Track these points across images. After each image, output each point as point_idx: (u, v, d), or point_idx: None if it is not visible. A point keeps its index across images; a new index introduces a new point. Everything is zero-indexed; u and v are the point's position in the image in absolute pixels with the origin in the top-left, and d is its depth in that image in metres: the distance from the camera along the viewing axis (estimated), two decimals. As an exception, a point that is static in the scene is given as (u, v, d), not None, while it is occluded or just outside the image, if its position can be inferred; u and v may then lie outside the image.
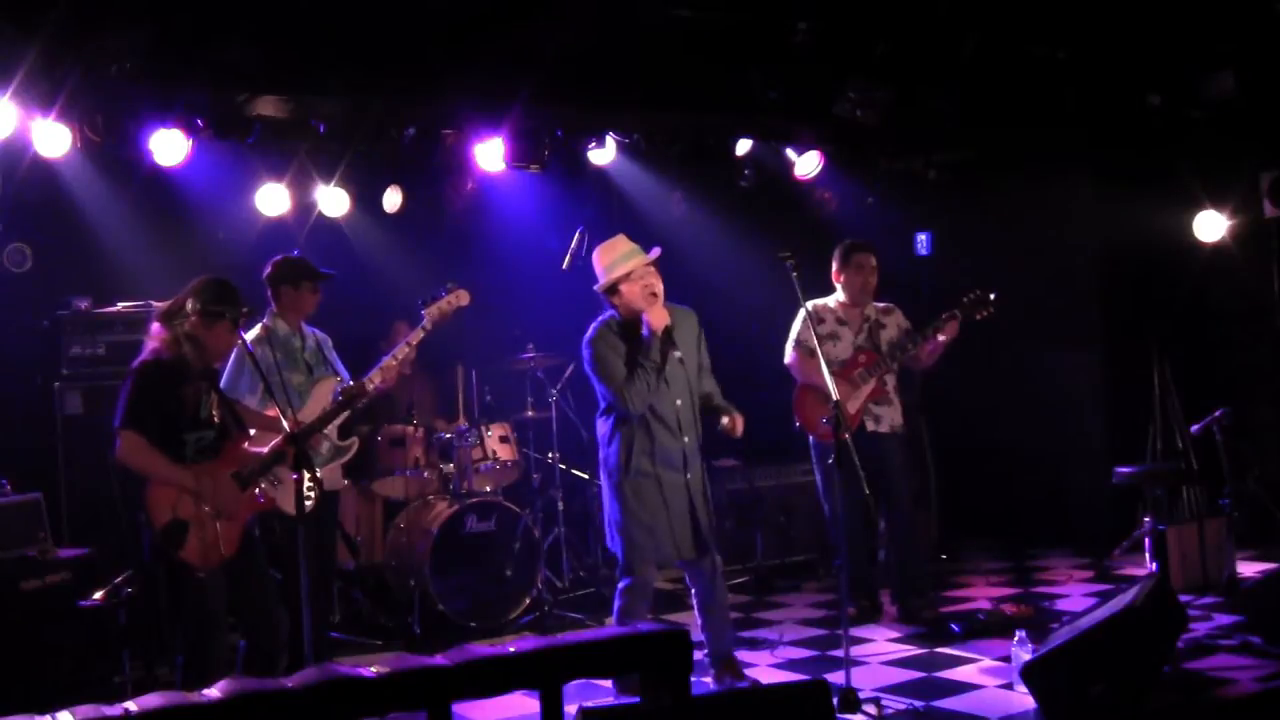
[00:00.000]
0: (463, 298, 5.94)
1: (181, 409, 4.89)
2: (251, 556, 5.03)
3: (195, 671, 4.71)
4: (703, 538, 5.59)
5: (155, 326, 4.95)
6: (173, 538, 4.75)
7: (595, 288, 5.62)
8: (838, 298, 7.09)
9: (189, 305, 4.88)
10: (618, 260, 5.52)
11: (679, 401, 5.53)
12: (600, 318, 5.63)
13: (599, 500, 8.03)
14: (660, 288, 5.50)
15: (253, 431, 5.21)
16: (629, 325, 5.52)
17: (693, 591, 5.74)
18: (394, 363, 5.80)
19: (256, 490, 5.02)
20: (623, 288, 5.49)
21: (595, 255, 5.63)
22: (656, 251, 5.55)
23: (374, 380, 5.81)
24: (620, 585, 5.61)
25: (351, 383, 5.89)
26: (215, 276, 5.05)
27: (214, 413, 5.00)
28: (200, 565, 4.79)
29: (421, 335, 5.87)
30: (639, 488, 5.48)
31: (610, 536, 5.68)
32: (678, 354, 5.54)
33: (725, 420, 5.60)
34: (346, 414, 5.83)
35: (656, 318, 5.44)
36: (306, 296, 6.19)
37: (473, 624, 7.02)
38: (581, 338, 5.61)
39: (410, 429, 7.54)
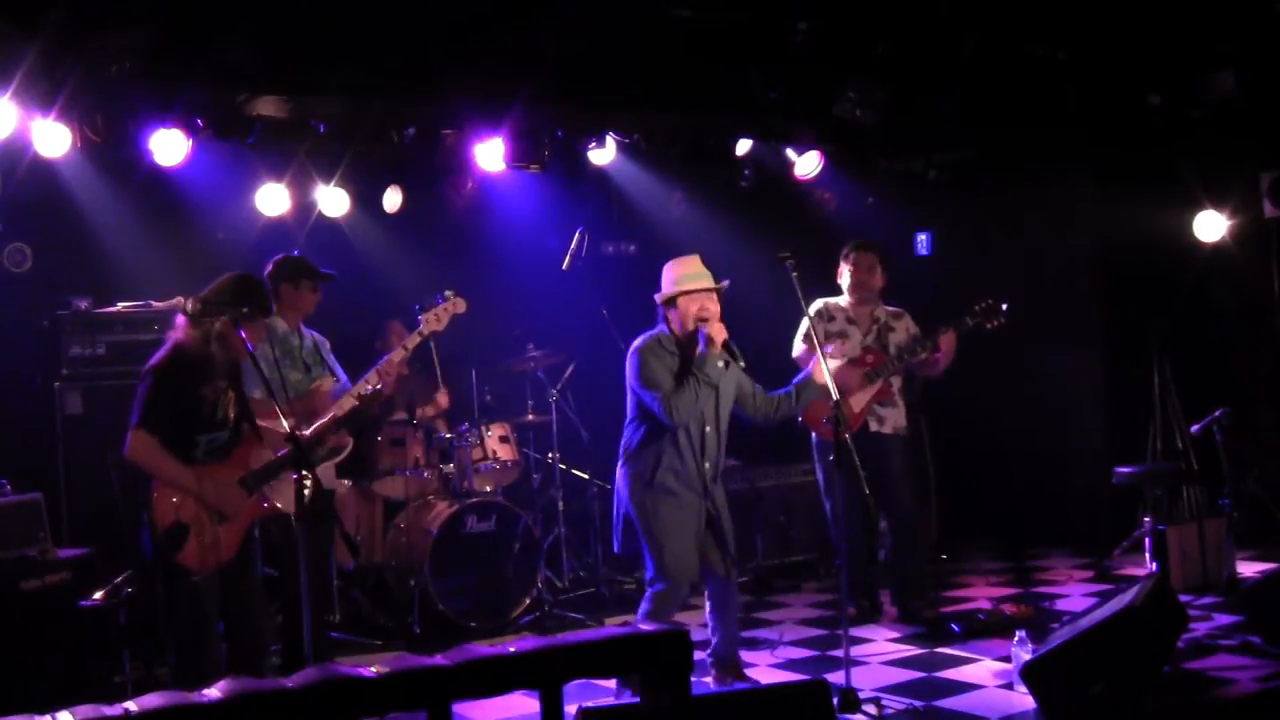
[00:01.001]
0: (459, 305, 5.94)
1: (199, 409, 4.88)
2: (247, 560, 5.04)
3: (188, 673, 4.73)
4: (728, 552, 5.62)
5: (181, 320, 4.92)
6: (173, 540, 4.75)
7: (656, 296, 5.65)
8: (847, 297, 7.10)
9: (223, 306, 4.86)
10: (687, 276, 5.56)
11: (708, 428, 5.55)
12: (650, 331, 5.64)
13: (599, 500, 8.04)
14: (716, 312, 5.52)
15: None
16: (680, 340, 5.54)
17: (707, 593, 5.74)
18: (390, 366, 5.81)
19: (268, 498, 5.03)
20: (680, 301, 5.52)
21: (667, 267, 5.66)
22: (726, 283, 5.60)
23: (374, 383, 5.82)
24: (650, 590, 5.59)
25: (351, 385, 5.91)
26: (246, 274, 5.07)
27: (230, 413, 5.00)
28: (197, 569, 4.79)
29: (418, 340, 5.88)
30: (659, 503, 5.48)
31: (617, 541, 5.67)
32: (741, 364, 5.56)
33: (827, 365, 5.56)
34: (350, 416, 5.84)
35: (716, 331, 5.46)
36: (306, 295, 6.21)
37: (473, 624, 7.02)
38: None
39: (410, 429, 7.54)
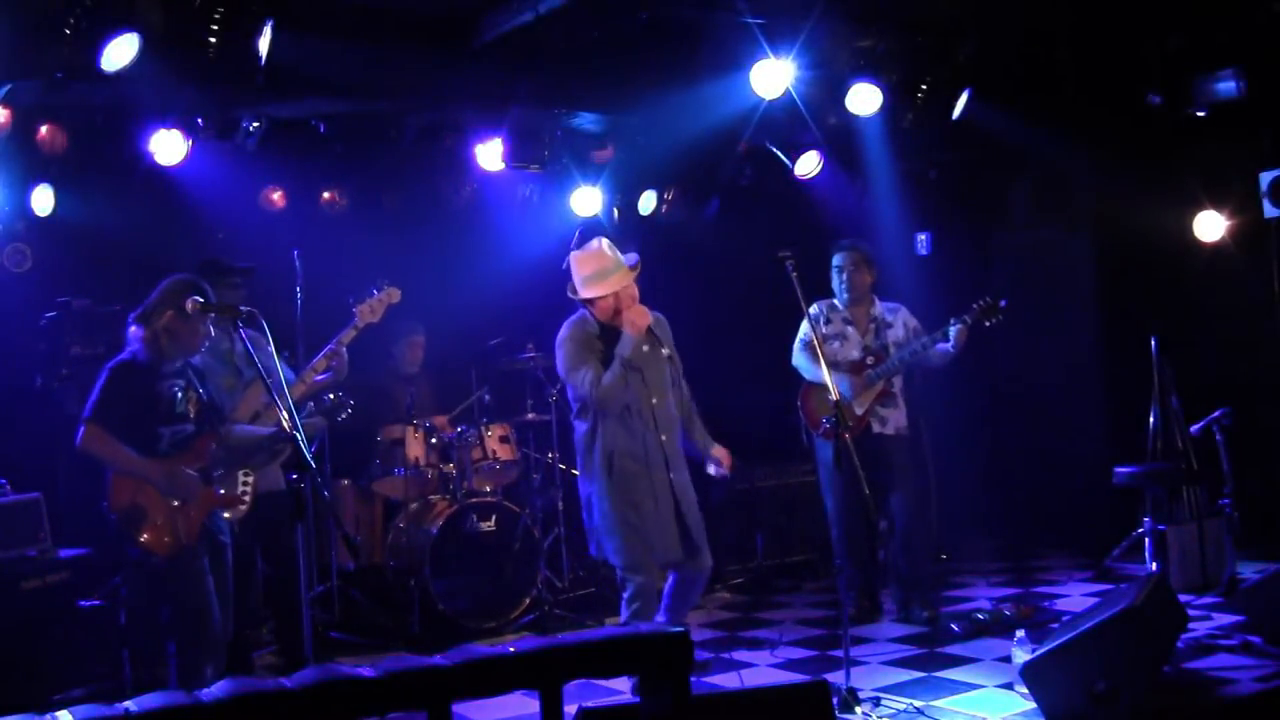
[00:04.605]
0: (394, 295, 6.12)
1: (157, 403, 5.01)
2: (222, 554, 5.13)
3: (186, 659, 4.82)
4: (691, 539, 5.57)
5: (135, 329, 5.05)
6: (131, 522, 4.90)
7: (570, 294, 5.60)
8: (843, 297, 7.10)
9: (167, 302, 4.98)
10: (600, 275, 5.50)
11: (654, 399, 5.53)
12: (573, 317, 5.63)
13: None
14: (634, 295, 5.51)
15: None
16: (605, 325, 5.53)
17: (669, 581, 5.70)
18: (323, 361, 5.93)
19: (219, 486, 5.14)
20: (599, 302, 5.52)
21: (574, 262, 5.59)
22: (635, 259, 5.55)
23: (307, 379, 5.97)
24: (624, 595, 5.60)
25: (294, 377, 6.00)
26: (189, 277, 5.19)
27: (190, 409, 5.07)
28: (156, 550, 4.90)
29: (353, 334, 5.99)
30: (625, 487, 5.47)
31: (593, 545, 5.66)
32: (665, 351, 5.54)
33: (712, 466, 5.63)
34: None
35: (638, 318, 5.44)
36: (229, 294, 6.20)
37: (473, 624, 7.02)
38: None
39: (410, 429, 7.53)
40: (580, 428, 5.62)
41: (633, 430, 5.47)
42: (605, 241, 5.61)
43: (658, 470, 5.49)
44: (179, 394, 5.08)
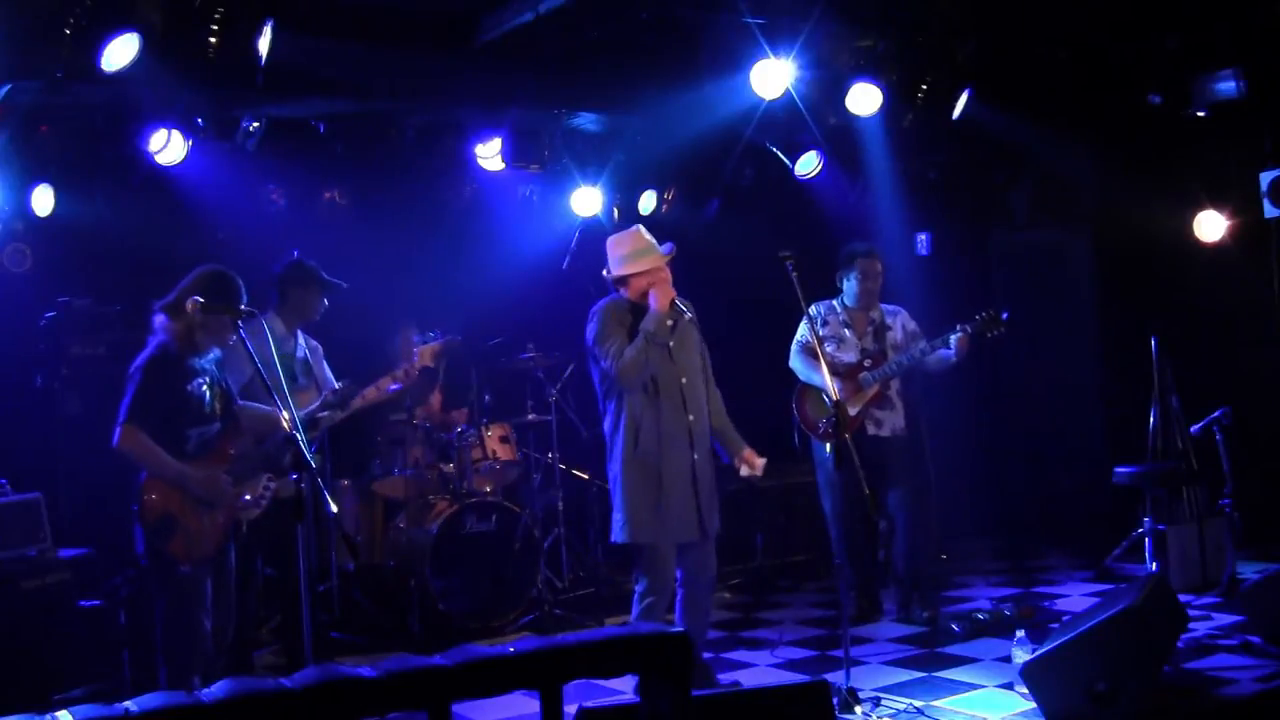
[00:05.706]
0: (452, 344, 6.31)
1: (187, 403, 4.96)
2: (226, 557, 5.11)
3: (179, 669, 4.79)
4: (702, 522, 5.59)
5: (161, 319, 4.98)
6: (162, 531, 4.83)
7: (605, 274, 5.66)
8: (843, 300, 7.09)
9: (194, 296, 4.91)
10: (635, 255, 5.59)
11: (684, 379, 5.55)
12: (608, 296, 5.70)
13: (599, 500, 8.04)
14: (666, 277, 5.58)
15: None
16: (637, 305, 5.60)
17: (677, 597, 5.69)
18: (374, 392, 5.93)
19: (244, 492, 5.08)
20: (631, 280, 5.58)
21: (611, 243, 5.68)
22: (671, 247, 5.61)
23: (368, 395, 5.94)
24: (637, 590, 5.58)
25: (334, 384, 6.01)
26: (218, 268, 5.10)
27: (218, 406, 5.06)
28: (185, 559, 4.86)
29: (404, 378, 6.04)
30: (645, 467, 5.48)
31: (615, 530, 5.63)
32: (688, 315, 5.60)
33: (743, 466, 5.66)
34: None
35: (664, 295, 5.51)
36: (314, 302, 6.21)
37: (473, 624, 7.02)
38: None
39: (410, 429, 7.53)
40: (607, 408, 5.65)
41: (660, 409, 5.50)
42: (642, 227, 5.73)
43: (683, 450, 5.51)
44: (206, 393, 5.04)
